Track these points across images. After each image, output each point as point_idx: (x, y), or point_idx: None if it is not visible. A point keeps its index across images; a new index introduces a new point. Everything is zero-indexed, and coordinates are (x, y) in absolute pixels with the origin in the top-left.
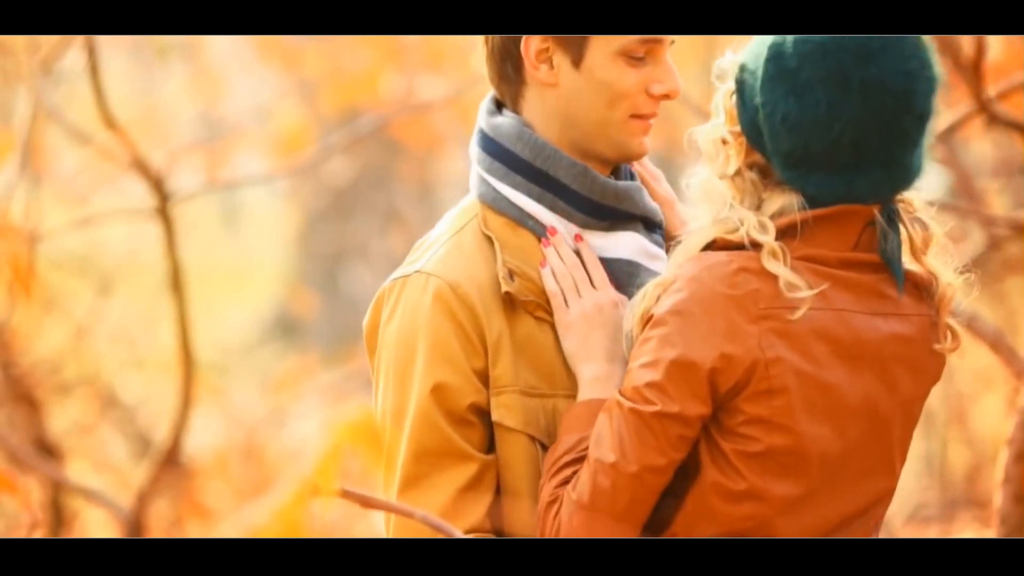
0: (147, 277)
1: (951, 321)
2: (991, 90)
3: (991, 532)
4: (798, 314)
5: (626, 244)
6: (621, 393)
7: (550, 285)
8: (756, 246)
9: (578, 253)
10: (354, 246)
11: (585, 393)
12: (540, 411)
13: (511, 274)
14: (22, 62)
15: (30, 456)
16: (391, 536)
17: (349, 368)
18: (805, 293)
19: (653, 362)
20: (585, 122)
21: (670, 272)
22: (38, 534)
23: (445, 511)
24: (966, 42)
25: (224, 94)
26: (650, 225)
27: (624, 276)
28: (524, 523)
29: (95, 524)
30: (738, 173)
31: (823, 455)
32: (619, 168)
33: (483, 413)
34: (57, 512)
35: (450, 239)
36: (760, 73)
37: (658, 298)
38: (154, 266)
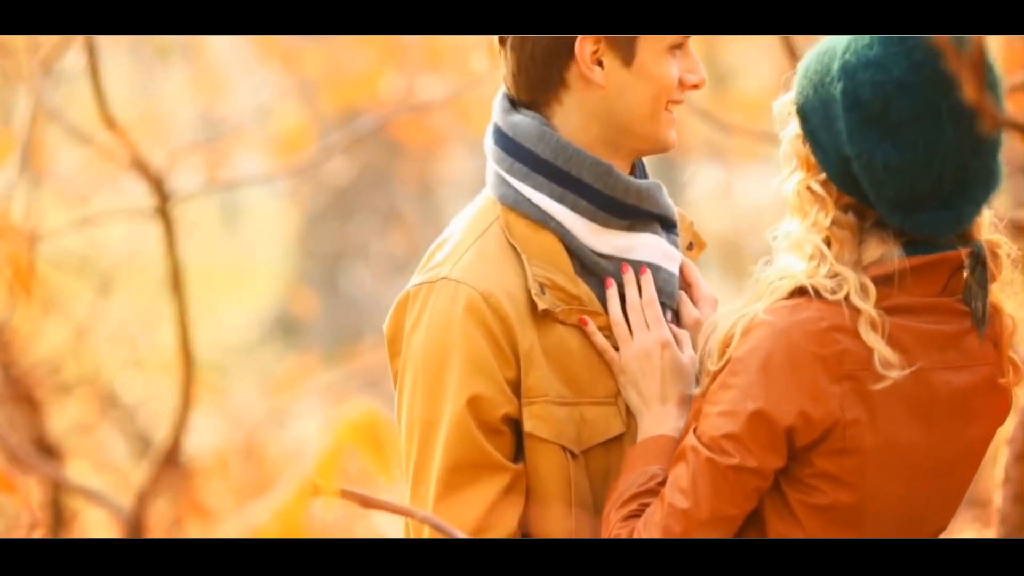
0: (147, 277)
1: (1012, 355)
2: None
3: (991, 532)
4: (882, 384)
5: (645, 244)
6: (698, 438)
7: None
8: (852, 307)
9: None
10: (354, 246)
11: (644, 434)
12: (569, 420)
13: (542, 288)
14: (22, 62)
15: (30, 456)
16: (412, 537)
17: (349, 368)
18: (898, 374)
19: (733, 412)
20: (629, 118)
21: (756, 313)
22: (38, 534)
23: (482, 521)
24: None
25: (224, 94)
26: (667, 225)
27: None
28: (554, 531)
29: (95, 524)
30: (834, 222)
31: (884, 511)
32: (635, 168)
33: (513, 423)
34: (57, 512)
35: (474, 244)
36: (842, 123)
37: (739, 334)
38: (154, 266)
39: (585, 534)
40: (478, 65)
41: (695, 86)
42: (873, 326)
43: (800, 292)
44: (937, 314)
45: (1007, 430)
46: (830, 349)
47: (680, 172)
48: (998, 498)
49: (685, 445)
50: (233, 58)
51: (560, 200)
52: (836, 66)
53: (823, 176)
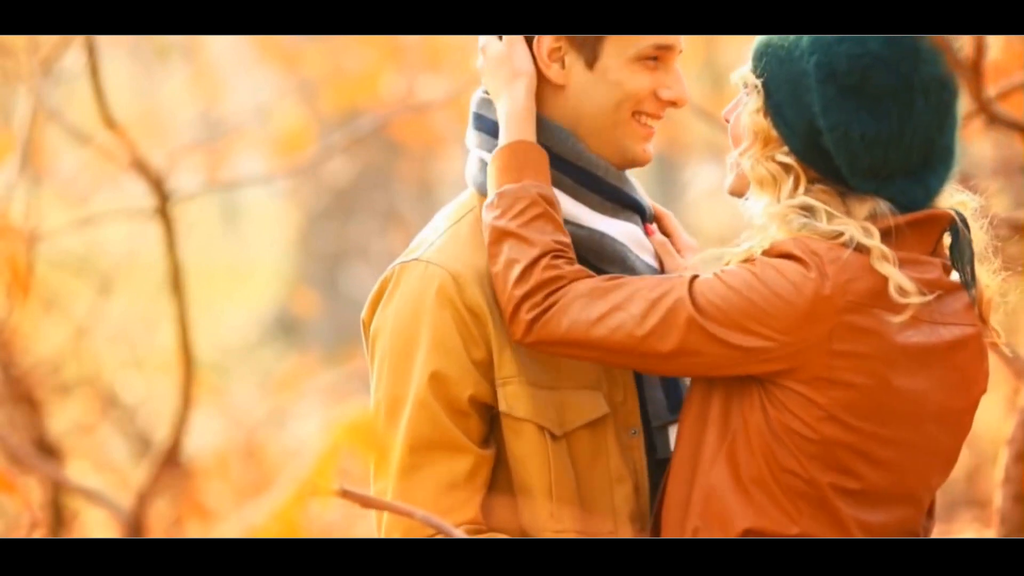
0: (147, 277)
1: (994, 324)
2: (991, 90)
3: (991, 532)
4: (901, 318)
5: (622, 231)
6: (691, 294)
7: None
8: (860, 251)
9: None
10: (354, 246)
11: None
12: (548, 402)
13: None
14: (22, 62)
15: (30, 456)
16: (382, 530)
17: (349, 368)
18: (916, 300)
19: (735, 293)
20: (591, 123)
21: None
22: (38, 534)
23: (439, 503)
24: (966, 42)
25: (224, 94)
26: (644, 218)
27: (617, 257)
28: (534, 517)
29: (95, 524)
30: (808, 191)
31: (880, 455)
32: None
33: (482, 406)
34: (57, 512)
35: (448, 230)
36: (815, 95)
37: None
38: (154, 266)
39: (566, 519)
40: (478, 65)
41: (672, 103)
42: (884, 257)
43: (788, 255)
44: (931, 270)
45: (1007, 430)
46: (837, 279)
47: (680, 172)
48: (998, 498)
49: (670, 290)
50: (233, 58)
51: None
52: (806, 40)
53: (785, 149)
